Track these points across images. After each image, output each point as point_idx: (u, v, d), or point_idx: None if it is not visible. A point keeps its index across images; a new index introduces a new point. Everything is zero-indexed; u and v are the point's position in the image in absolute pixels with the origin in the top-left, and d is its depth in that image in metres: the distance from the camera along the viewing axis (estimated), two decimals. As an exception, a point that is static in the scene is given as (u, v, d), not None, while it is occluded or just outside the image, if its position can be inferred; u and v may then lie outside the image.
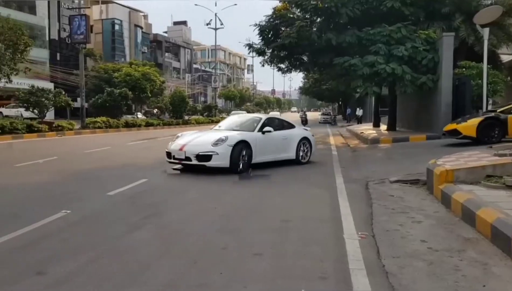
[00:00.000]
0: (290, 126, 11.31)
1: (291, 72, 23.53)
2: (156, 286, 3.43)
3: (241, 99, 65.31)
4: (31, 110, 19.56)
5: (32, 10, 45.59)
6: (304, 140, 10.99)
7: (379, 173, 9.31)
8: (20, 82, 26.94)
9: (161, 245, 4.55)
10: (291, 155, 10.63)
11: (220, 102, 73.17)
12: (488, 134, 11.73)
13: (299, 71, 24.71)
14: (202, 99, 79.39)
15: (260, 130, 9.88)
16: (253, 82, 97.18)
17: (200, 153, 8.74)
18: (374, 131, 20.93)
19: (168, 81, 57.35)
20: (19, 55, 16.84)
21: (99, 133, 21.36)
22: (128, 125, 25.16)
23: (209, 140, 9.03)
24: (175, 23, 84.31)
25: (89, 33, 23.97)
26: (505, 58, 21.72)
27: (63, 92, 21.88)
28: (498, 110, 12.48)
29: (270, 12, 19.19)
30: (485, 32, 14.96)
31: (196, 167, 8.85)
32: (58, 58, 46.77)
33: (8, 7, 41.54)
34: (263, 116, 10.99)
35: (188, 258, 4.08)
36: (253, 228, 5.15)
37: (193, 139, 9.26)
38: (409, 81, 15.86)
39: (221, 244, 4.51)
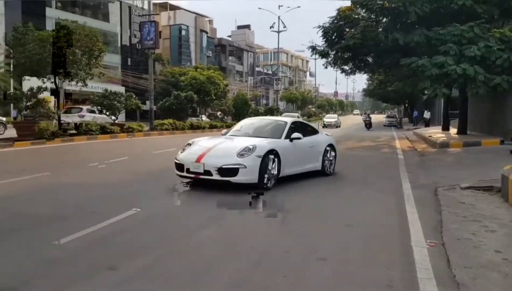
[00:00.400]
0: (314, 131, 9.79)
1: (355, 73, 23.14)
2: (221, 285, 3.51)
3: (303, 102, 65.01)
4: (104, 112, 20.76)
5: (105, 17, 48.36)
6: (329, 147, 9.55)
7: (449, 178, 8.91)
8: (95, 86, 28.62)
9: (225, 245, 4.64)
10: (317, 165, 9.16)
11: (281, 105, 73.28)
12: None
13: (364, 73, 24.23)
14: (264, 101, 79.92)
15: (288, 136, 8.36)
16: (315, 84, 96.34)
17: (224, 166, 7.04)
18: (443, 135, 20.02)
19: (231, 84, 58.36)
20: (94, 61, 17.94)
21: (166, 134, 22.18)
22: (193, 127, 25.92)
23: (233, 149, 7.38)
24: (239, 27, 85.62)
25: (158, 39, 24.97)
26: None
27: (134, 96, 22.99)
28: None
29: (333, 13, 18.98)
30: None
31: (217, 182, 7.14)
32: (129, 63, 49.12)
33: (84, 15, 44.35)
34: (288, 119, 9.24)
35: (252, 260, 4.13)
36: (317, 233, 5.12)
37: (213, 148, 7.57)
38: (481, 82, 14.99)
39: (284, 247, 4.52)
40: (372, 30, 17.37)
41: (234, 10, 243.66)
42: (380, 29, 17.97)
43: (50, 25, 34.33)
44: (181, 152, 7.80)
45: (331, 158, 9.58)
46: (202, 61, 58.83)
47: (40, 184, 7.73)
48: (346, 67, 21.70)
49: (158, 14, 40.42)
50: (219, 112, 41.71)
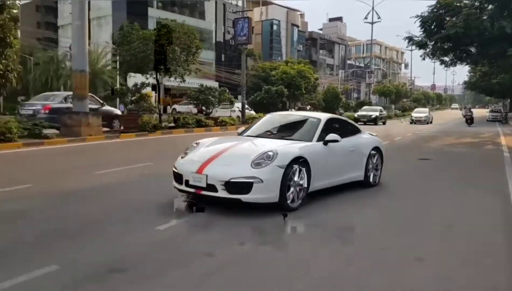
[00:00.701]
0: (355, 130, 7.53)
1: (455, 65, 21.73)
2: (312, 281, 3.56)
3: (397, 95, 62.29)
4: (200, 106, 21.78)
5: (201, 15, 50.45)
6: (375, 151, 7.44)
7: None
8: (191, 82, 30.02)
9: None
10: (359, 174, 7.07)
11: (374, 99, 70.97)
12: None
13: (465, 64, 22.66)
14: (355, 95, 78.13)
15: (322, 138, 6.28)
16: (410, 77, 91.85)
17: (233, 180, 5.14)
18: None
19: (322, 78, 57.84)
20: (191, 57, 18.87)
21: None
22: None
23: (247, 156, 5.45)
24: (330, 20, 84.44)
25: (251, 35, 25.55)
26: None
27: (227, 90, 23.78)
28: None
29: (432, 2, 17.97)
30: None
31: (224, 201, 5.28)
32: (222, 59, 50.82)
33: (182, 14, 46.69)
34: (322, 116, 6.99)
35: (343, 257, 4.10)
36: (415, 231, 4.95)
37: (221, 154, 5.65)
38: None
39: (382, 244, 4.45)
40: (476, 18, 16.20)
41: (326, 3, 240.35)
42: (485, 17, 16.68)
43: (151, 24, 36.64)
44: (182, 157, 5.97)
45: (377, 165, 7.47)
46: (292, 55, 59.01)
47: (145, 173, 8.34)
48: (446, 58, 20.50)
49: (251, 10, 41.21)
50: (309, 106, 41.62)
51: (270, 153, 5.34)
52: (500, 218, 5.61)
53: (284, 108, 36.12)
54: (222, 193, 5.17)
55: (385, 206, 6.24)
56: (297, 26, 65.23)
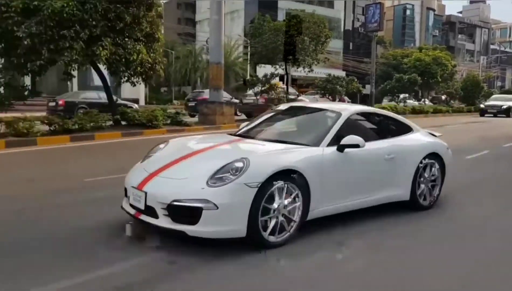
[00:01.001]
0: (402, 128, 5.19)
1: None
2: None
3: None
4: (327, 96, 21.72)
5: (330, 4, 49.96)
6: (431, 159, 5.04)
7: None
8: (317, 72, 30.07)
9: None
10: (402, 193, 4.80)
11: (523, 87, 63.31)
12: None
13: None
14: (499, 84, 70.52)
15: (335, 142, 4.20)
16: None
17: (176, 203, 3.44)
18: None
19: (460, 65, 53.31)
20: (320, 47, 18.91)
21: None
22: (415, 112, 24.75)
23: (207, 168, 3.61)
24: (472, 2, 77.15)
25: (383, 21, 24.64)
26: None
27: (355, 80, 23.31)
28: None
29: None
30: None
31: (166, 231, 3.56)
32: (350, 47, 49.83)
33: (311, 3, 46.78)
34: (345, 109, 4.74)
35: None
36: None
37: (178, 162, 3.92)
38: None
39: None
40: None
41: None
42: None
43: (281, 16, 37.44)
44: (140, 163, 4.32)
45: (433, 179, 5.08)
46: (427, 41, 55.50)
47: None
48: None
49: None
50: (444, 95, 38.71)
51: (238, 164, 3.54)
52: None
53: (416, 98, 34.17)
54: (163, 221, 3.49)
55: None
56: (433, 10, 60.99)
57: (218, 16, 15.22)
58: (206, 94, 18.76)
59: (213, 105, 15.26)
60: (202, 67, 37.43)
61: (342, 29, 50.05)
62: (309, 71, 19.53)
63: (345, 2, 49.93)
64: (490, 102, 27.88)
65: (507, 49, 76.00)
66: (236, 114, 17.71)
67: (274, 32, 18.38)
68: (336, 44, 49.06)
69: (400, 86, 26.22)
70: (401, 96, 26.69)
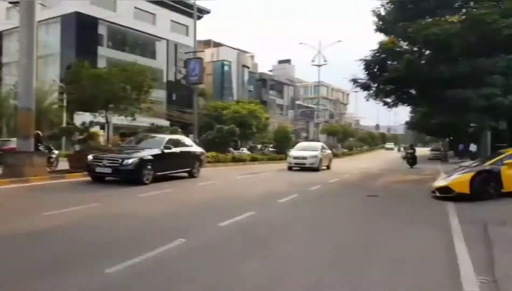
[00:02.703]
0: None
1: (397, 106, 22.88)
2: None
3: (343, 135, 64.57)
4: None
5: (152, 55, 50.58)
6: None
7: (499, 213, 8.62)
8: (142, 120, 29.73)
9: (270, 279, 4.67)
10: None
11: (322, 138, 73.02)
12: (484, 190, 10.46)
13: (406, 105, 23.93)
14: (304, 134, 79.98)
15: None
16: (355, 117, 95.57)
17: None
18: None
19: (272, 118, 58.97)
20: (143, 96, 18.76)
21: (209, 167, 22.62)
22: (235, 160, 26.27)
23: None
24: (280, 62, 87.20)
25: (203, 75, 25.87)
26: None
27: (178, 129, 23.69)
28: (487, 163, 11.35)
29: (375, 46, 19.02)
30: None
31: None
32: (173, 98, 50.78)
33: (133, 53, 46.64)
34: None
35: None
36: (363, 267, 5.08)
37: None
38: (531, 114, 14.58)
39: (328, 282, 4.53)
40: (416, 63, 17.31)
41: (275, 45, 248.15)
42: (423, 62, 17.86)
43: (102, 63, 36.30)
44: None
45: None
46: (243, 95, 60.06)
47: (92, 215, 8.07)
48: (388, 100, 21.55)
49: (203, 51, 41.86)
50: (260, 145, 42.16)
51: None
52: (442, 251, 5.88)
53: (236, 148, 36.38)
54: None
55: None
56: (248, 67, 66.75)
57: (29, 59, 13.99)
58: (13, 143, 17.03)
59: (21, 156, 13.66)
60: (9, 114, 33.43)
61: (165, 80, 50.83)
62: (132, 120, 19.14)
63: (167, 54, 51.21)
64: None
65: (310, 105, 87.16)
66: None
67: (93, 79, 17.62)
68: (159, 94, 49.40)
69: (221, 136, 27.66)
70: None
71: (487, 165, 11.02)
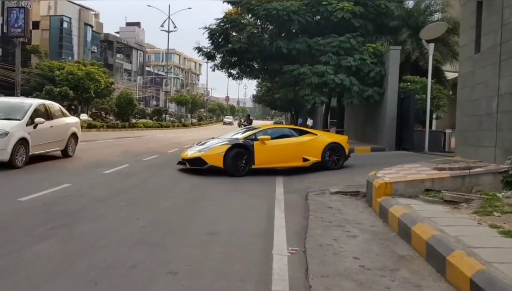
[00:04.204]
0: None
1: (242, 78, 23.26)
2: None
3: (193, 105, 64.27)
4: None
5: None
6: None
7: (320, 183, 9.06)
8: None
9: (62, 261, 3.95)
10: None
11: (172, 107, 71.77)
12: (236, 164, 9.82)
13: (250, 78, 24.45)
14: (154, 103, 77.73)
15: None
16: (206, 88, 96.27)
17: None
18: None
19: (119, 83, 55.59)
20: None
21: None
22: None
23: None
24: (128, 24, 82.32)
25: (28, 27, 22.58)
26: (449, 75, 22.37)
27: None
28: (242, 135, 10.55)
29: (221, 15, 18.76)
30: (430, 47, 15.30)
31: None
32: (0, 53, 44.06)
33: None
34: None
35: (90, 277, 3.53)
36: (175, 242, 4.66)
37: None
38: (356, 93, 15.95)
39: (132, 261, 3.99)
40: (258, 36, 17.53)
41: (123, 5, 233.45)
42: (266, 36, 18.21)
43: None
44: None
45: None
46: (86, 56, 55.21)
47: None
48: (233, 71, 21.70)
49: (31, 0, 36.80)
50: (103, 111, 39.31)
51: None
52: (262, 222, 5.80)
53: (75, 112, 33.28)
54: None
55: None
56: (91, 26, 61.39)
57: None
58: None
59: None
60: None
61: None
62: None
63: (-9, 1, 43.87)
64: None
65: (161, 72, 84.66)
66: None
67: None
68: (-20, 48, 42.54)
69: (50, 99, 24.70)
70: None
71: (241, 139, 10.24)
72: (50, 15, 55.58)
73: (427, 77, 15.49)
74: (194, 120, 62.00)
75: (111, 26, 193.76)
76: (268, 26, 19.03)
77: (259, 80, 42.43)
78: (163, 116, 45.43)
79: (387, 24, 18.53)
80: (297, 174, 10.72)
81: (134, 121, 36.25)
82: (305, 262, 4.19)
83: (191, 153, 10.28)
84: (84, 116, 34.64)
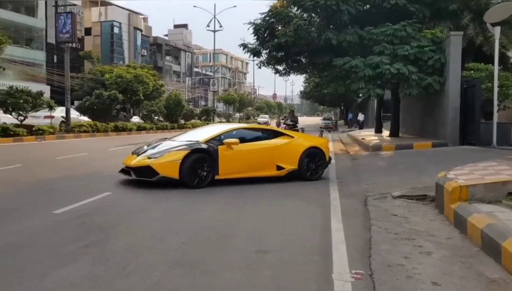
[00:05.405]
0: None
1: (289, 74, 22.38)
2: None
3: (241, 103, 64.13)
4: (12, 113, 18.34)
5: (29, 11, 44.59)
6: None
7: (380, 185, 8.17)
8: (13, 85, 25.84)
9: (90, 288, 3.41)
10: None
11: (220, 106, 72.13)
12: (195, 174, 7.74)
13: (297, 73, 23.55)
14: (203, 103, 78.45)
15: None
16: (253, 86, 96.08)
17: None
18: (376, 137, 19.79)
19: (168, 85, 56.40)
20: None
21: (85, 137, 20.28)
22: (117, 129, 24.03)
23: None
24: (176, 26, 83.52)
25: (76, 32, 22.83)
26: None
27: (44, 93, 20.57)
28: (204, 137, 8.38)
29: (265, 10, 18.01)
30: (496, 31, 13.92)
31: None
32: (55, 60, 45.74)
33: (5, 8, 40.68)
34: None
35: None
36: (218, 263, 4.01)
37: None
38: (415, 82, 14.76)
39: (172, 285, 3.40)
40: (305, 29, 16.66)
41: (171, 8, 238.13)
42: (313, 28, 17.30)
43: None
44: None
45: None
46: (136, 60, 56.40)
47: None
48: (279, 67, 20.89)
49: (74, 4, 37.75)
50: (152, 113, 39.79)
51: None
52: (317, 235, 5.05)
53: (129, 115, 33.78)
54: None
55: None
56: (140, 30, 62.69)
57: None
58: None
59: None
60: None
61: (45, 40, 45.37)
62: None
63: (46, 10, 45.45)
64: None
65: (208, 72, 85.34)
66: None
67: None
68: (38, 56, 44.28)
69: (100, 103, 25.10)
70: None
71: (202, 142, 8.16)
72: (101, 21, 57.20)
73: (492, 64, 14.05)
74: (243, 119, 61.66)
75: (159, 29, 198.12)
76: (316, 18, 18.11)
77: (306, 75, 41.53)
78: (211, 115, 45.44)
79: (445, 8, 17.09)
80: (350, 172, 9.85)
81: (182, 122, 36.35)
82: (373, 289, 3.44)
83: (137, 159, 8.01)
84: (136, 118, 35.19)
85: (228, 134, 8.52)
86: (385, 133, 21.49)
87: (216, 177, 8.00)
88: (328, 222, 5.53)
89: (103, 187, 7.46)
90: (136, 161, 7.96)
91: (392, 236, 4.95)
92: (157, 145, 8.42)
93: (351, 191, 7.81)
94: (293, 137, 9.19)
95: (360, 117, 36.93)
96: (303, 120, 47.90)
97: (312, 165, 8.98)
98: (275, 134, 9.29)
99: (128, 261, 3.97)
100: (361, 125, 35.85)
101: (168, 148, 8.04)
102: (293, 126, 17.59)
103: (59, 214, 5.67)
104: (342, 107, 62.39)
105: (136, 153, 8.36)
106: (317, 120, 62.47)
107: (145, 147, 8.60)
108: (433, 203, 6.52)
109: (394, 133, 19.22)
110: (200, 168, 7.77)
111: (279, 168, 8.69)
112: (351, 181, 9.10)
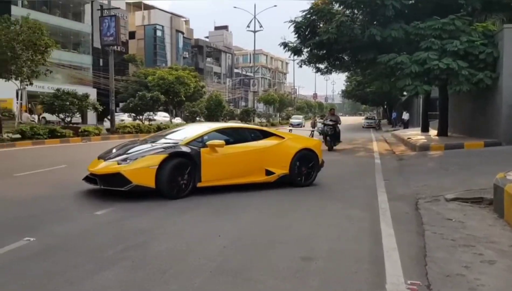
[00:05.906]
0: None
1: (331, 73, 21.95)
2: None
3: (281, 104, 63.73)
4: (57, 115, 18.96)
5: (76, 17, 46.23)
6: None
7: (431, 187, 7.71)
8: (61, 88, 26.80)
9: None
10: None
11: (261, 107, 72.04)
12: (175, 182, 6.66)
13: (339, 72, 23.06)
14: (243, 103, 78.67)
15: None
16: (293, 86, 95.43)
17: None
18: (423, 137, 19.01)
19: (209, 86, 56.94)
20: (39, 57, 16.03)
21: (129, 138, 20.64)
22: (160, 130, 24.37)
23: None
24: (216, 28, 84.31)
25: (119, 35, 23.30)
26: None
27: (89, 95, 21.11)
28: (185, 139, 7.23)
29: (306, 7, 17.67)
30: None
31: None
32: (101, 64, 47.20)
33: (53, 14, 42.32)
34: None
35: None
36: (262, 269, 3.78)
37: None
38: (465, 78, 14.01)
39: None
40: (348, 25, 16.21)
41: (212, 10, 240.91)
42: (356, 25, 16.82)
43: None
44: None
45: None
46: (178, 62, 57.31)
47: None
48: (321, 66, 20.52)
49: (118, 8, 38.54)
50: (194, 114, 40.23)
51: None
52: (366, 241, 4.73)
53: (171, 115, 34.24)
54: None
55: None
56: (182, 33, 63.64)
57: None
58: None
59: None
60: None
61: (91, 44, 46.88)
62: (28, 84, 16.62)
63: (92, 16, 46.94)
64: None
65: (248, 73, 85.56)
66: None
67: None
68: (84, 60, 45.84)
69: (143, 104, 25.53)
70: (145, 114, 26.15)
71: (182, 144, 7.03)
72: (144, 24, 58.49)
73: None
74: (282, 119, 61.30)
75: (201, 32, 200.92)
76: (358, 15, 17.60)
77: (348, 73, 40.69)
78: (251, 116, 45.40)
79: (498, 0, 16.16)
80: (398, 173, 9.38)
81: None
82: (432, 302, 3.12)
83: (104, 165, 6.82)
84: (178, 119, 35.66)
85: (211, 134, 7.42)
86: (432, 132, 20.64)
87: (198, 184, 6.95)
88: (378, 227, 5.20)
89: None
90: (102, 166, 6.76)
91: (449, 242, 4.57)
92: (129, 148, 7.22)
93: (400, 194, 7.40)
94: (283, 138, 8.21)
95: (405, 116, 35.78)
96: (345, 120, 46.88)
97: (304, 169, 8.07)
98: (264, 134, 8.21)
99: (168, 266, 3.82)
100: (406, 124, 34.74)
101: (142, 151, 6.85)
102: (334, 127, 16.29)
103: (100, 215, 5.62)
104: (385, 106, 60.79)
105: (103, 157, 7.16)
106: (359, 119, 61.33)
107: (114, 151, 7.36)
108: (491, 206, 6.05)
109: (442, 132, 18.41)
110: (180, 175, 6.70)
111: (268, 173, 7.72)
112: (399, 182, 8.66)
